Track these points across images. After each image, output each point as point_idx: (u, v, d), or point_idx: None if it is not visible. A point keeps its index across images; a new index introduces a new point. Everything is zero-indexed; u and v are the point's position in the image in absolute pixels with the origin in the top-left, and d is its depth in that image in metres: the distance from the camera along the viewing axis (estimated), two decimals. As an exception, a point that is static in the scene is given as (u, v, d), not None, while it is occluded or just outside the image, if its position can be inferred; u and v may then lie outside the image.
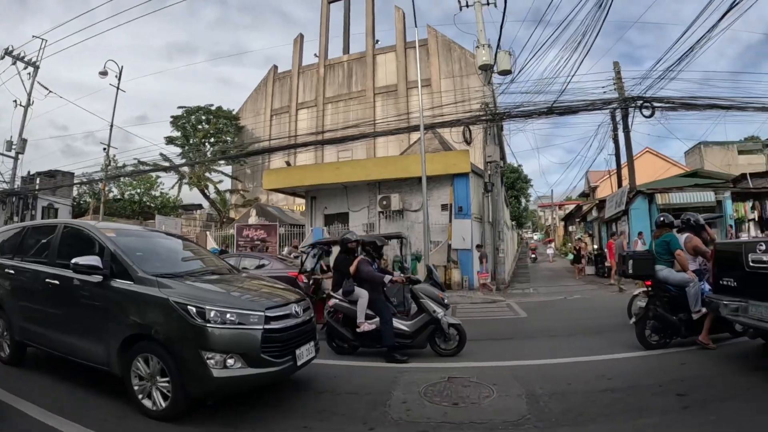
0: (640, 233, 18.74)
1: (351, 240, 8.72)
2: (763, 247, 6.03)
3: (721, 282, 6.90)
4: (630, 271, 8.20)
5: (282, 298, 5.80)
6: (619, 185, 23.86)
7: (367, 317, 7.98)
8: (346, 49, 41.85)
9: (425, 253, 18.00)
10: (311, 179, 22.53)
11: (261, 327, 5.12)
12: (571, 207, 46.87)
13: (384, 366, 7.44)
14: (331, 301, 8.47)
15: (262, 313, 5.20)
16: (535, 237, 76.34)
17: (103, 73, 27.84)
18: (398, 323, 8.04)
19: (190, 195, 47.00)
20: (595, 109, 20.97)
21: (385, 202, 20.91)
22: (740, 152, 41.22)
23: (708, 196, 21.00)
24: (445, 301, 8.22)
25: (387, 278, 8.20)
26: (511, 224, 42.10)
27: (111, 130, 28.70)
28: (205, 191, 41.43)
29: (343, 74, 40.28)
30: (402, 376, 6.74)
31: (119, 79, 28.53)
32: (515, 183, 46.76)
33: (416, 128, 19.88)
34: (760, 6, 13.46)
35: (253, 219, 27.37)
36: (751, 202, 21.89)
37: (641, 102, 21.18)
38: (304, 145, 26.68)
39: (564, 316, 13.23)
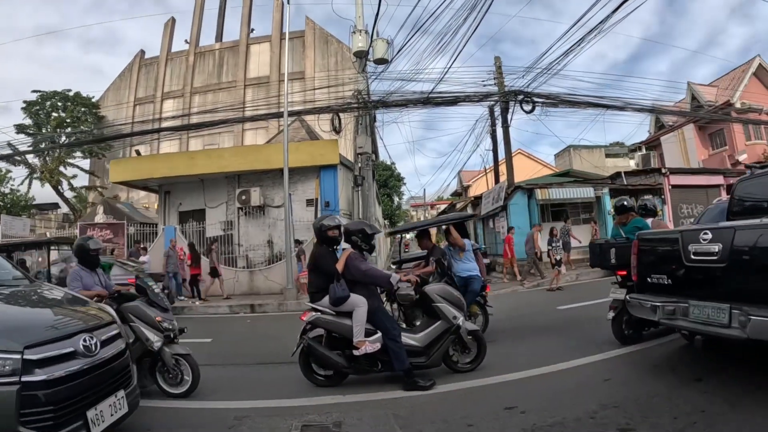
0: (511, 228, 17.34)
1: (330, 226, 6.15)
2: (708, 236, 4.54)
3: (649, 280, 5.68)
4: (614, 261, 6.92)
5: (68, 325, 3.72)
6: (496, 182, 22.45)
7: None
8: (219, 36, 38.41)
9: (287, 254, 15.46)
10: (163, 170, 19.29)
11: (16, 380, 3.00)
12: (443, 206, 45.99)
13: (224, 407, 5.31)
14: (309, 315, 6.02)
15: (18, 356, 3.06)
16: (408, 236, 75.39)
17: None
18: (404, 337, 5.95)
19: (45, 193, 41.46)
20: (475, 101, 19.37)
21: (244, 197, 18.16)
22: (607, 156, 42.40)
23: (588, 192, 20.05)
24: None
25: (394, 278, 5.98)
26: (383, 222, 40.16)
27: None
28: (59, 187, 36.45)
29: (214, 63, 36.74)
30: (242, 424, 4.67)
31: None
32: (388, 181, 44.88)
33: (281, 115, 17.22)
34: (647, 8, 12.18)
35: (100, 217, 23.59)
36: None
37: (522, 96, 19.87)
38: (164, 130, 23.33)
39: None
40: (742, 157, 29.24)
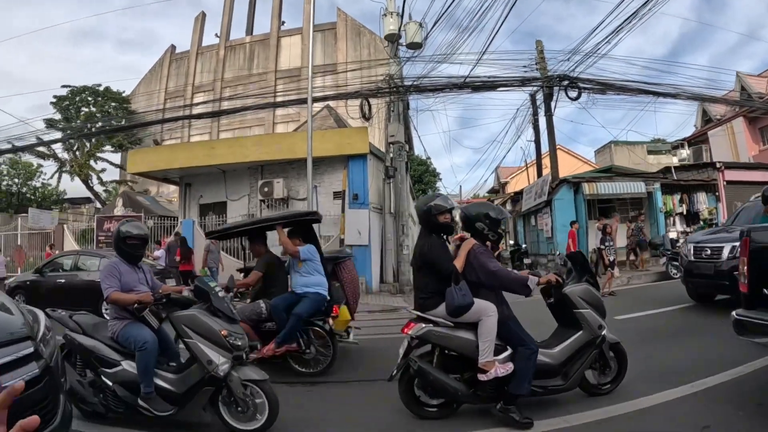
0: (574, 222, 15.32)
1: (443, 208, 4.46)
2: None
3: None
4: None
5: None
6: (539, 175, 20.45)
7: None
8: (249, 30, 36.98)
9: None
10: (182, 161, 17.78)
11: None
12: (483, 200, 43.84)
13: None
14: (416, 328, 4.39)
15: None
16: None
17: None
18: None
19: (76, 187, 40.63)
20: (516, 86, 17.44)
21: (266, 189, 16.53)
22: (650, 152, 40.22)
23: (638, 187, 17.96)
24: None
25: (533, 280, 4.40)
26: (416, 219, 38.35)
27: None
28: (89, 182, 35.51)
29: (245, 57, 35.31)
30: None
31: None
32: (423, 176, 42.10)
33: (306, 101, 15.51)
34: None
35: (119, 210, 22.27)
36: (679, 195, 19.70)
37: (567, 82, 17.91)
38: (190, 117, 21.94)
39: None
40: (798, 153, 26.95)
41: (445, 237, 4.62)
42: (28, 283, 12.55)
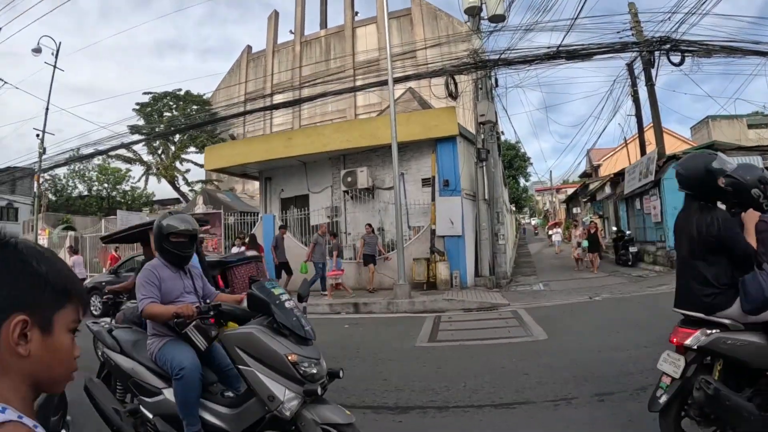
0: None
1: (724, 172, 3.14)
2: None
3: None
4: None
5: None
6: (642, 153, 18.21)
7: None
8: (323, 24, 36.01)
9: (398, 243, 12.40)
10: (259, 153, 16.83)
11: None
12: (572, 190, 41.11)
13: None
14: (697, 334, 3.05)
15: None
16: (533, 222, 70.20)
17: (37, 51, 23.06)
18: None
19: (164, 189, 41.19)
20: (613, 52, 15.38)
21: (350, 179, 15.30)
22: (750, 126, 36.62)
23: (757, 163, 15.40)
24: None
25: None
26: (510, 207, 35.85)
27: (46, 113, 23.62)
28: (175, 183, 35.70)
29: (321, 50, 34.35)
30: None
31: (56, 57, 23.71)
32: (513, 161, 39.66)
33: (386, 82, 14.09)
34: None
35: (200, 208, 21.69)
36: None
37: (669, 46, 15.67)
38: (270, 108, 21.12)
39: (606, 333, 7.76)
40: None
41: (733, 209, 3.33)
42: (103, 284, 11.96)
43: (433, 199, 14.06)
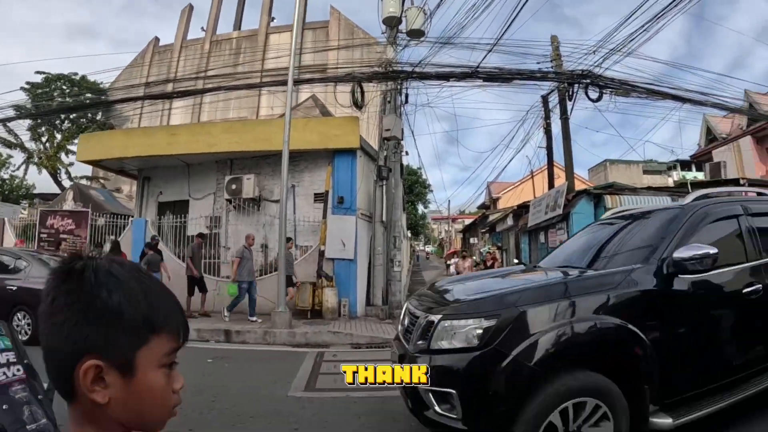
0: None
1: None
2: None
3: None
4: None
5: None
6: (551, 186, 17.30)
7: None
8: (237, 24, 33.67)
9: (280, 262, 10.49)
10: (138, 148, 14.29)
11: None
12: (469, 221, 40.67)
13: None
14: None
15: None
16: (427, 249, 69.80)
17: None
18: None
19: (48, 181, 36.76)
20: (532, 79, 14.34)
21: (234, 186, 13.20)
22: (645, 172, 38.00)
23: (665, 203, 14.80)
24: None
25: None
26: (407, 233, 34.43)
27: None
28: (57, 176, 31.85)
29: (230, 51, 31.87)
30: None
31: None
32: (413, 187, 38.28)
33: (285, 83, 12.18)
34: None
35: (68, 204, 18.72)
36: None
37: (588, 81, 14.91)
38: (155, 97, 18.68)
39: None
40: (809, 178, 24.21)
41: None
42: None
43: (325, 216, 12.24)
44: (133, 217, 15.56)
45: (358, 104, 12.95)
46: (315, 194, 12.95)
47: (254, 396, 6.05)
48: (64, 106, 29.57)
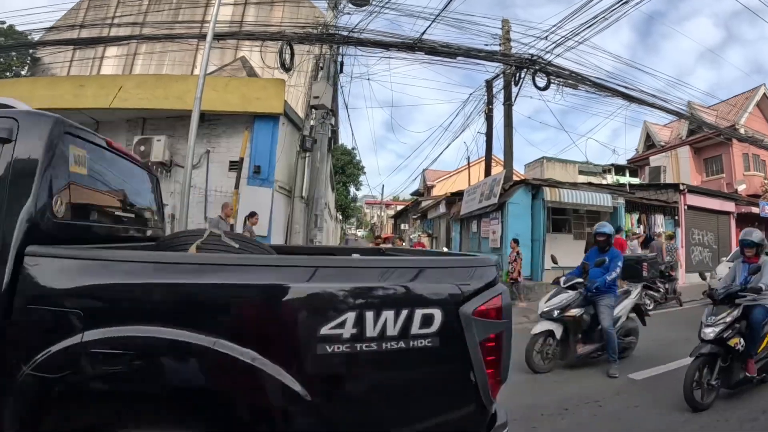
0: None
1: None
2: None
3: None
4: None
5: None
6: (487, 174, 16.42)
7: None
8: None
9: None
10: (43, 99, 12.44)
11: None
12: (401, 207, 39.72)
13: None
14: None
15: None
16: (359, 233, 68.32)
17: None
18: None
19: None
20: (478, 58, 13.33)
21: (143, 148, 11.65)
22: (581, 173, 37.79)
23: (605, 200, 14.37)
24: None
25: None
26: (335, 213, 32.83)
27: None
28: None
29: (170, 7, 29.65)
30: None
31: None
32: (346, 167, 36.87)
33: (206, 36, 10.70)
34: None
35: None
36: (637, 214, 16.52)
37: (537, 67, 14.05)
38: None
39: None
40: (741, 188, 24.43)
41: None
42: None
43: (237, 186, 10.90)
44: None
45: (286, 66, 11.58)
46: (230, 162, 11.56)
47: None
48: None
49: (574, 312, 5.99)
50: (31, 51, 29.99)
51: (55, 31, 30.85)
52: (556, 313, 5.95)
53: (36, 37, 30.49)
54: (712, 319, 4.74)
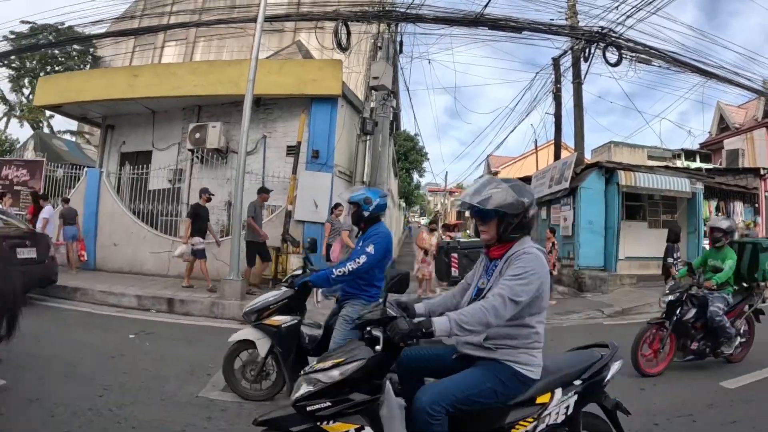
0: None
1: None
2: None
3: None
4: None
5: None
6: (557, 158, 15.38)
7: None
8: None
9: (234, 223, 8.65)
10: (97, 90, 12.35)
11: None
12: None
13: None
14: None
15: None
16: (423, 221, 67.29)
17: None
18: None
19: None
20: (544, 32, 12.40)
21: (198, 135, 11.30)
22: (650, 157, 35.95)
23: (683, 184, 13.03)
24: None
25: None
26: (398, 201, 31.74)
27: None
28: (40, 129, 29.84)
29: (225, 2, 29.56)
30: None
31: None
32: (409, 153, 35.47)
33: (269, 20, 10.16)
34: None
35: (29, 154, 16.78)
36: (716, 202, 14.86)
37: (608, 41, 13.01)
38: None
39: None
40: (827, 170, 22.38)
41: None
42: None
43: (295, 171, 10.34)
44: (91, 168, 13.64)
45: (342, 46, 10.92)
46: (288, 147, 11.04)
47: (155, 392, 4.33)
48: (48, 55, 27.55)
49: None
50: (91, 50, 30.57)
51: (114, 26, 31.40)
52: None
53: (96, 40, 31.14)
54: None
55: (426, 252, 10.87)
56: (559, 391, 2.35)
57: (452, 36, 11.77)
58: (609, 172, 12.74)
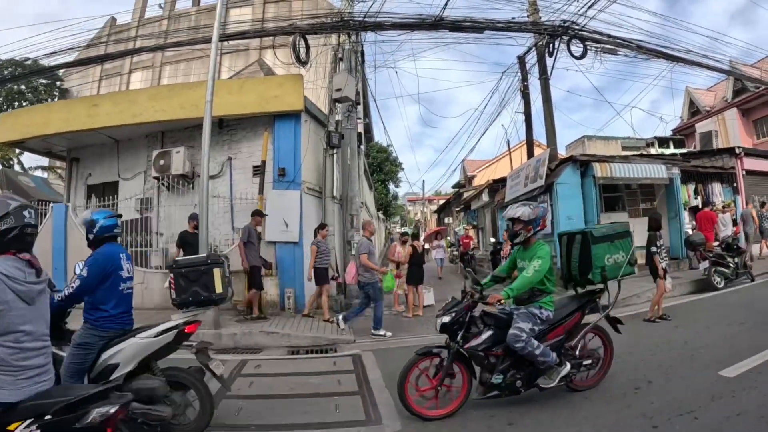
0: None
1: None
2: None
3: None
4: None
5: None
6: (530, 156, 15.25)
7: None
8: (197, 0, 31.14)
9: (202, 247, 8.36)
10: (58, 123, 11.97)
11: None
12: (443, 201, 38.66)
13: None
14: None
15: None
16: (406, 231, 67.18)
17: None
18: None
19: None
20: (506, 30, 12.26)
21: (162, 162, 10.99)
22: (624, 148, 36.10)
23: (659, 171, 13.00)
24: None
25: None
26: (375, 213, 31.34)
27: None
28: (9, 166, 29.24)
29: (189, 25, 29.34)
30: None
31: None
32: (383, 165, 35.27)
33: (220, 40, 9.92)
34: None
35: (-6, 193, 16.43)
36: (693, 185, 14.88)
37: (572, 34, 12.94)
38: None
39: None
40: (797, 146, 22.58)
41: None
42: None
43: (262, 191, 10.08)
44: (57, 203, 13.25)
45: (301, 59, 10.69)
46: (254, 167, 10.74)
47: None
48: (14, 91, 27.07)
49: None
50: (58, 83, 30.18)
51: (80, 56, 30.99)
52: None
53: (61, 69, 30.68)
54: None
55: (397, 265, 10.62)
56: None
57: (414, 41, 11.60)
58: (584, 165, 12.63)
